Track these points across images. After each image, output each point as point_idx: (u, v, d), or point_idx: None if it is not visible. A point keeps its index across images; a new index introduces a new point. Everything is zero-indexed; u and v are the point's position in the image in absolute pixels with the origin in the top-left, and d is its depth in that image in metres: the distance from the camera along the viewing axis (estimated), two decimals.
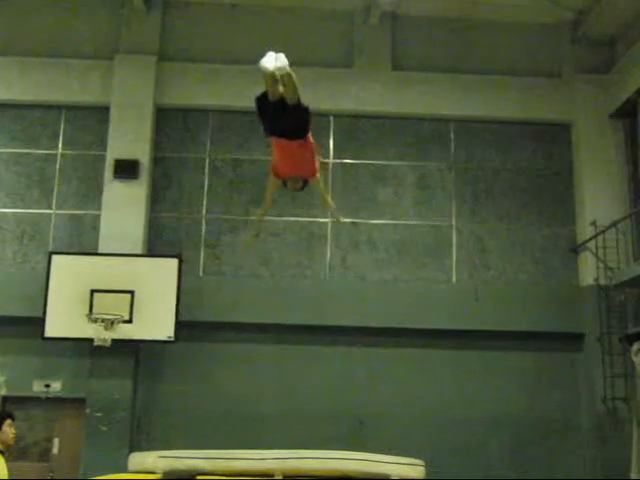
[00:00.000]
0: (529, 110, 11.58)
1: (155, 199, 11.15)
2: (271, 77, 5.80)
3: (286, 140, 6.18)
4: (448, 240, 11.29)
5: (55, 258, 10.34)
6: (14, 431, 6.37)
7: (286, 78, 5.79)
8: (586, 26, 11.48)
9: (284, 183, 6.63)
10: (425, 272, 11.16)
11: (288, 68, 5.73)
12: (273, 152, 6.54)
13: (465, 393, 10.69)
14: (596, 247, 10.80)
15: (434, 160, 11.54)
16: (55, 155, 11.22)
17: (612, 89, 11.37)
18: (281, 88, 5.91)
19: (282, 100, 5.95)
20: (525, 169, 11.58)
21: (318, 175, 6.68)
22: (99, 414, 10.12)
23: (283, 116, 5.99)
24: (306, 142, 6.29)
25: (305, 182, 6.60)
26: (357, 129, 11.55)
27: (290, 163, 6.40)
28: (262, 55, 5.76)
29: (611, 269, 10.68)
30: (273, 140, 6.33)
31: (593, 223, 10.84)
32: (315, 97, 11.07)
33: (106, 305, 10.04)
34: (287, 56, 5.78)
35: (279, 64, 5.71)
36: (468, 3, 11.59)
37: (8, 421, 6.32)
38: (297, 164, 6.42)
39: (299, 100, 5.99)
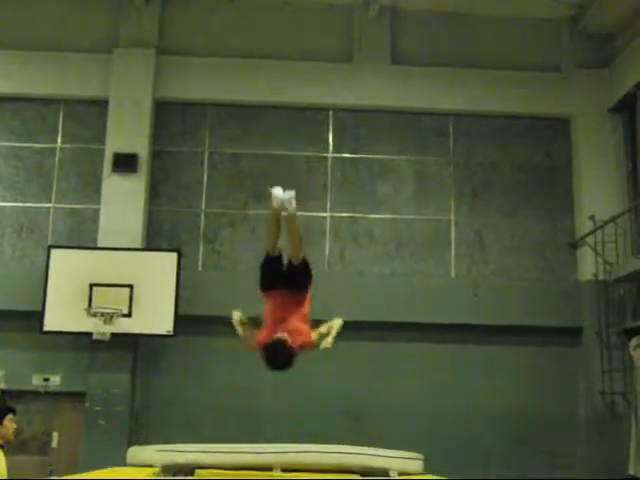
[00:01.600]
0: (528, 105, 11.57)
1: (154, 193, 11.14)
2: (278, 212, 5.60)
3: (286, 291, 5.86)
4: (447, 235, 11.29)
5: (54, 252, 10.34)
6: (15, 426, 6.37)
7: (291, 223, 5.62)
8: (585, 21, 11.46)
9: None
10: (424, 266, 11.17)
11: (294, 211, 5.55)
12: (265, 316, 6.04)
13: (463, 387, 10.70)
14: (595, 242, 10.80)
15: (433, 155, 11.54)
16: (54, 149, 11.21)
17: (611, 84, 11.36)
18: (281, 241, 5.74)
19: (282, 257, 5.78)
20: (524, 164, 11.57)
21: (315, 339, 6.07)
22: (98, 408, 10.13)
23: (285, 272, 5.81)
24: (305, 299, 6.03)
25: (291, 357, 5.64)
26: (356, 123, 11.52)
27: (284, 319, 5.87)
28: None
29: (610, 264, 10.69)
30: (267, 297, 5.97)
31: (592, 218, 10.83)
32: (314, 91, 11.23)
33: (105, 299, 10.04)
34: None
35: (288, 206, 5.53)
36: None
37: (9, 416, 6.33)
38: (291, 322, 5.86)
39: (304, 259, 5.80)
